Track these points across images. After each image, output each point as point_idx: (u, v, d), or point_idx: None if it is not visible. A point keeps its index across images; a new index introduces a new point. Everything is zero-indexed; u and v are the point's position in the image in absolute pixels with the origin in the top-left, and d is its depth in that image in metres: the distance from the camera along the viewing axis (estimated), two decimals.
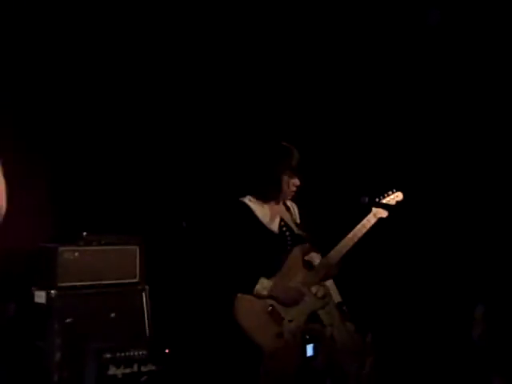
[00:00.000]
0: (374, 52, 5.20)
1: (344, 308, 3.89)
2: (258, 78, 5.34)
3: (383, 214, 3.97)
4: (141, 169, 5.17)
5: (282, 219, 3.98)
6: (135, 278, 4.58)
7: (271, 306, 3.75)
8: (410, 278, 5.06)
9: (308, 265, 3.89)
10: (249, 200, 3.94)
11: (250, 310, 3.75)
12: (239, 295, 3.76)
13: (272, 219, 3.94)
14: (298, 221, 4.06)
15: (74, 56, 4.86)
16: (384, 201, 3.99)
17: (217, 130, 5.33)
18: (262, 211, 3.93)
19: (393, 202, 4.01)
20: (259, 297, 3.76)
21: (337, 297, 3.93)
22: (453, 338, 4.52)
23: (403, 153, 5.20)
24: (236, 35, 5.25)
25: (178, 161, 5.29)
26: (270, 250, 3.86)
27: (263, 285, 3.75)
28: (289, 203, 4.08)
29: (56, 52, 4.80)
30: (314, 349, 3.73)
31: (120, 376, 4.09)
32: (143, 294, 4.56)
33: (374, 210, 3.96)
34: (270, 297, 3.76)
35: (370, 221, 3.94)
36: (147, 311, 4.53)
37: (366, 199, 3.92)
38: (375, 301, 5.04)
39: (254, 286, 3.74)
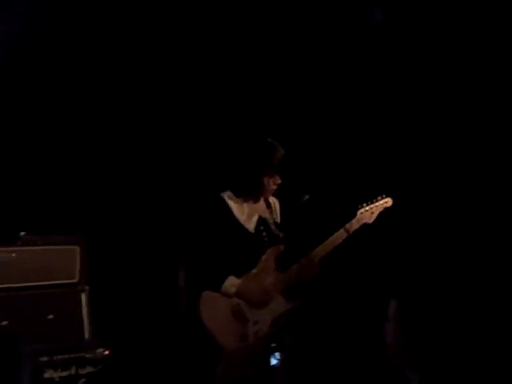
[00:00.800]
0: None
1: None
2: (239, 74, 5.27)
3: (368, 219, 3.85)
4: (82, 167, 5.08)
5: (260, 218, 3.87)
6: (75, 278, 4.49)
7: (237, 305, 3.67)
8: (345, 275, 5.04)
9: (282, 266, 3.79)
10: (228, 196, 3.83)
11: (214, 309, 3.66)
12: (205, 293, 3.67)
13: (249, 218, 3.84)
14: (278, 219, 3.94)
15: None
16: (371, 206, 3.87)
17: (173, 123, 5.27)
18: (240, 209, 3.82)
19: (380, 208, 3.87)
20: (226, 295, 3.68)
21: None
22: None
23: (394, 157, 5.11)
24: (215, 32, 5.18)
25: (123, 159, 5.22)
26: (243, 250, 3.75)
27: (231, 282, 3.67)
28: (271, 200, 3.95)
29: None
30: (279, 359, 3.69)
31: (57, 379, 4.00)
32: (83, 295, 4.47)
33: (358, 214, 3.83)
34: (237, 295, 3.68)
35: (352, 226, 3.80)
36: (87, 312, 4.44)
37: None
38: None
39: (222, 284, 3.66)
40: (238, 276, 3.71)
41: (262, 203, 3.90)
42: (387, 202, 3.89)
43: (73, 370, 4.06)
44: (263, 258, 3.77)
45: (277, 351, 3.68)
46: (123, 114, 5.19)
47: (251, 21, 5.11)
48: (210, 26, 5.11)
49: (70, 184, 5.04)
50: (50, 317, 4.31)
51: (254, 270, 3.75)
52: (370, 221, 3.85)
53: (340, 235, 3.78)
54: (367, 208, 3.85)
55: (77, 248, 4.54)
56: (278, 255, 3.79)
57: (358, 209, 3.85)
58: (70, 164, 5.05)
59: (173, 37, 5.10)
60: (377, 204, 3.87)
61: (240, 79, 5.26)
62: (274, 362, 3.72)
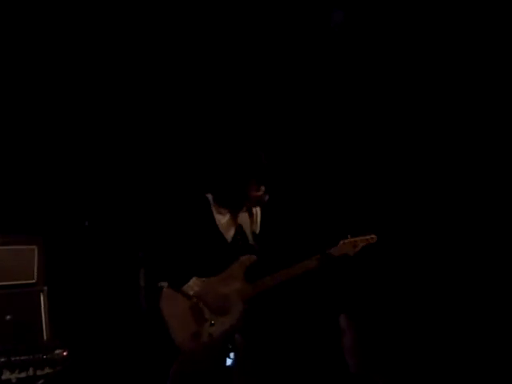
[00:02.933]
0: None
1: None
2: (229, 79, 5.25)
3: (350, 251, 3.81)
4: (41, 166, 5.03)
5: (239, 227, 3.85)
6: (33, 278, 4.44)
7: (196, 304, 3.68)
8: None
9: (249, 277, 3.78)
10: (212, 199, 3.81)
11: (174, 305, 3.67)
12: (166, 288, 3.68)
13: (229, 226, 3.82)
14: (258, 230, 3.90)
15: None
16: (355, 238, 3.83)
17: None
18: (221, 215, 3.81)
19: (364, 242, 3.82)
20: (185, 295, 3.68)
21: None
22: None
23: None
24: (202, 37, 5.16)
25: (87, 157, 5.18)
26: (216, 256, 3.74)
27: (193, 283, 3.66)
28: (254, 209, 3.91)
29: None
30: (233, 359, 3.70)
31: (14, 380, 3.96)
32: (41, 295, 4.42)
33: (340, 243, 3.81)
34: (195, 297, 3.68)
35: (332, 253, 3.77)
36: (45, 313, 4.39)
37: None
38: None
39: (185, 283, 3.66)
40: (203, 277, 3.71)
41: (244, 212, 3.88)
42: (373, 238, 3.86)
43: (30, 371, 4.02)
44: (233, 265, 3.77)
45: (232, 352, 3.70)
46: (96, 113, 5.15)
47: (232, 27, 5.10)
48: (193, 33, 5.11)
49: (28, 183, 4.98)
50: (8, 317, 4.26)
51: (222, 275, 3.75)
52: (352, 253, 3.82)
53: (308, 264, 3.76)
54: (351, 240, 3.83)
55: (35, 248, 4.49)
56: (249, 265, 3.78)
57: (341, 239, 3.83)
58: (28, 163, 5.00)
59: (154, 44, 5.10)
60: (361, 238, 3.84)
61: (230, 85, 5.25)
62: (229, 362, 3.74)
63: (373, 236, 3.87)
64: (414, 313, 4.54)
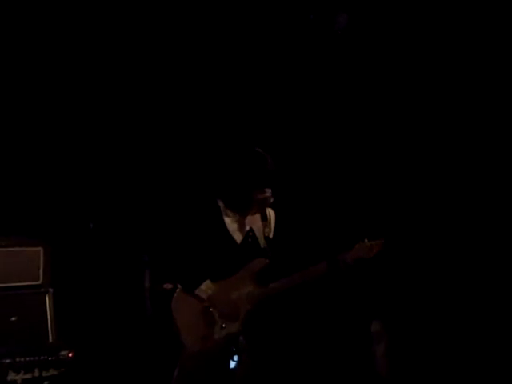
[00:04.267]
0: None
1: None
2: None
3: (365, 254, 3.71)
4: (46, 168, 5.05)
5: (251, 230, 3.83)
6: (38, 280, 4.46)
7: (208, 307, 3.67)
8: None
9: (261, 281, 3.75)
10: (222, 204, 3.80)
11: (186, 305, 3.67)
12: (178, 290, 3.69)
13: (239, 229, 3.81)
14: (271, 234, 3.86)
15: None
16: (371, 242, 3.72)
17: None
18: (232, 218, 3.80)
19: (380, 245, 3.71)
20: (199, 298, 3.67)
21: None
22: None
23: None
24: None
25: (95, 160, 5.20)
26: (225, 259, 3.73)
27: (206, 286, 3.66)
28: (268, 212, 3.88)
29: None
30: (237, 362, 3.71)
31: (19, 382, 3.98)
32: (47, 297, 4.44)
33: (356, 247, 3.71)
34: (208, 301, 3.68)
35: (346, 258, 3.68)
36: (50, 314, 4.41)
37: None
38: None
39: (197, 286, 3.66)
40: (214, 280, 3.71)
41: (257, 215, 3.86)
42: (382, 242, 3.76)
43: (36, 373, 4.04)
44: (246, 267, 3.75)
45: (236, 354, 3.70)
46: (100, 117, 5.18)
47: (238, 32, 5.11)
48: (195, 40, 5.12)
49: (34, 186, 5.00)
50: (13, 319, 4.28)
51: (233, 277, 3.73)
52: (368, 256, 3.72)
53: (319, 268, 3.69)
54: (367, 244, 3.73)
55: (41, 249, 4.51)
56: (261, 269, 3.77)
57: (357, 243, 3.74)
58: (34, 166, 5.02)
59: (156, 50, 5.12)
60: (377, 241, 3.74)
61: (237, 89, 5.26)
62: (232, 365, 3.74)
63: (383, 241, 3.78)
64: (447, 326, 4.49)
